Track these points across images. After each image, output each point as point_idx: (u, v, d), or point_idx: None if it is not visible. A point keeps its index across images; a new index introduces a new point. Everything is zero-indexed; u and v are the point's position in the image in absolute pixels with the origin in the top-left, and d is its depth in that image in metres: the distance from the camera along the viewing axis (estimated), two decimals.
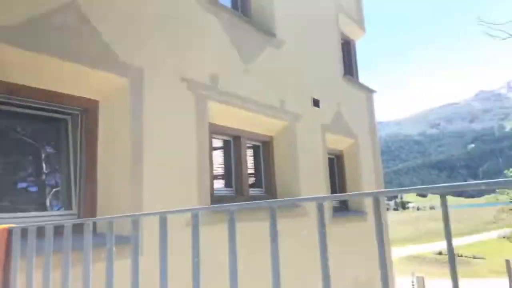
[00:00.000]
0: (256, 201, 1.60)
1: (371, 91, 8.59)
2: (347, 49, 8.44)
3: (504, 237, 11.52)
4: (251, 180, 5.58)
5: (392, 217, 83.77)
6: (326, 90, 6.85)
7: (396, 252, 36.62)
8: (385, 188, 9.32)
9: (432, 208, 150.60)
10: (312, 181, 6.03)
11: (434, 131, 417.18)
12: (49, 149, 3.20)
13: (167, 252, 1.55)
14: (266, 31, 5.56)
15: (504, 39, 5.16)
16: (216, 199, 4.47)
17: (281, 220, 1.44)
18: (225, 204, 1.47)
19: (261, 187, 5.56)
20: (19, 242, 1.88)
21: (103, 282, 1.67)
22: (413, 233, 57.31)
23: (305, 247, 5.39)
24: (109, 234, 1.67)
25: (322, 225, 1.26)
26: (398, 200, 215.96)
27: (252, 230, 3.98)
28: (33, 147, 3.08)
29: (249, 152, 5.55)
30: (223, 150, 5.14)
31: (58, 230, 1.86)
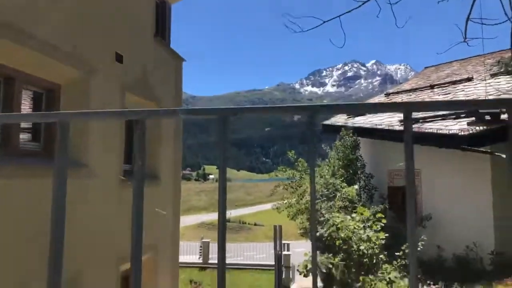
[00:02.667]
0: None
1: (180, 59, 8.54)
2: (162, 10, 8.10)
3: (276, 208, 13.85)
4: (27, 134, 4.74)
5: (192, 187, 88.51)
6: (132, 47, 6.39)
7: (192, 219, 38.94)
8: (183, 162, 9.50)
9: (228, 180, 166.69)
10: (105, 144, 5.57)
11: None
12: None
13: None
14: None
15: (296, 32, 5.84)
16: None
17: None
18: None
19: (39, 142, 4.79)
20: None
21: None
22: (208, 202, 62.03)
23: (91, 213, 4.96)
24: None
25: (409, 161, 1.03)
26: (200, 171, 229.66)
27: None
28: None
29: (29, 103, 4.67)
30: None
31: None
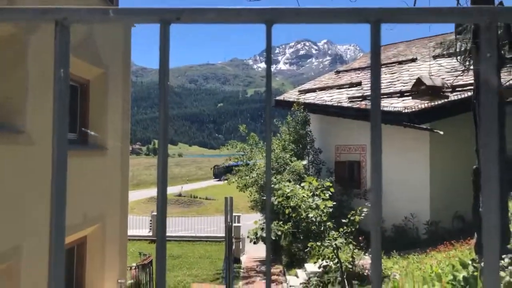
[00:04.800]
0: None
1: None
2: None
3: (226, 180, 14.10)
4: None
5: (143, 161, 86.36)
6: (75, 2, 5.90)
7: (142, 194, 38.16)
8: (133, 136, 9.25)
9: (180, 155, 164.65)
10: (43, 107, 5.17)
11: (192, 86, 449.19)
12: None
13: None
14: None
15: (250, 0, 5.69)
16: None
17: None
18: None
19: None
20: None
21: None
22: None
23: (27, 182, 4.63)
24: None
25: None
26: (151, 146, 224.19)
27: None
28: None
29: None
30: None
31: None
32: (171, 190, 44.17)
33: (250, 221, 14.33)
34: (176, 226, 20.80)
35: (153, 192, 41.92)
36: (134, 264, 10.31)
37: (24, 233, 4.64)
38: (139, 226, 20.12)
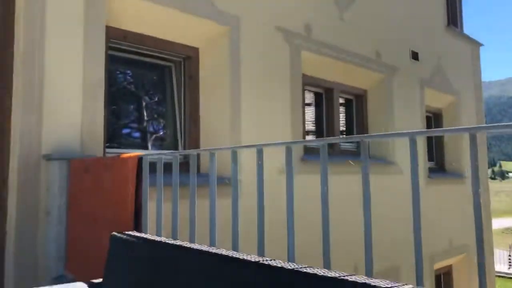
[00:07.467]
0: (348, 136, 1.52)
1: (477, 44, 7.67)
2: None
3: None
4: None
5: (490, 186, 76.85)
6: (426, 42, 6.28)
7: (494, 224, 33.87)
8: (488, 154, 8.54)
9: None
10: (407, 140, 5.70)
11: None
12: (155, 96, 3.48)
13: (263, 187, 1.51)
14: None
15: None
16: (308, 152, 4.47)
17: (373, 177, 1.34)
18: (317, 139, 1.44)
19: (352, 143, 5.41)
20: (148, 169, 1.89)
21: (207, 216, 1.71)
22: (510, 204, 51.98)
23: (397, 205, 5.22)
24: (210, 164, 1.69)
25: (414, 159, 1.14)
26: (496, 168, 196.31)
27: (344, 183, 3.93)
28: (138, 95, 3.38)
29: (341, 108, 5.39)
30: (314, 104, 5.06)
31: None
32: None
33: None
34: None
35: (506, 221, 36.22)
36: None
37: (402, 256, 5.14)
38: (495, 260, 17.83)
